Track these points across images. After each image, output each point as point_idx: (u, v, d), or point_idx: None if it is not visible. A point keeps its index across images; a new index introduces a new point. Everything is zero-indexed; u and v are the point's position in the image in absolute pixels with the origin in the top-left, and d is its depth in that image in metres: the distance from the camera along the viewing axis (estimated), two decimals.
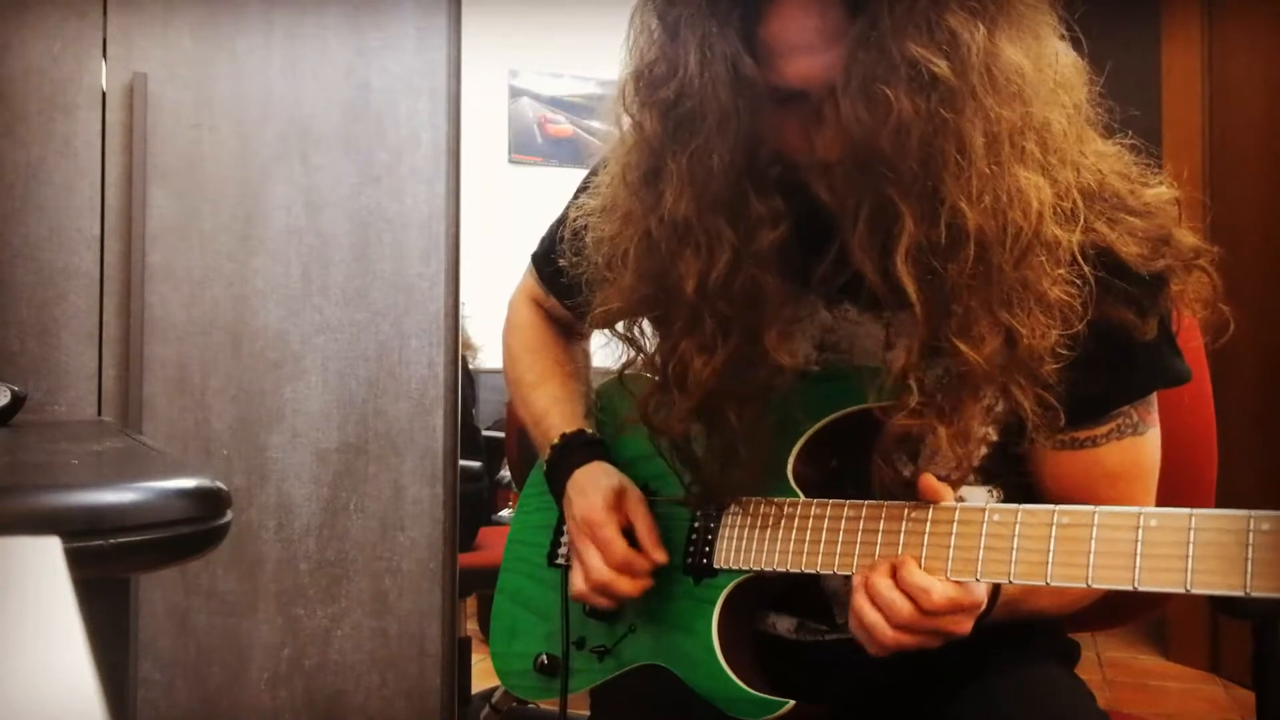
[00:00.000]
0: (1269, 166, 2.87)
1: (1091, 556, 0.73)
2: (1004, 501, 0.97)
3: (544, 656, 1.08)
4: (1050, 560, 0.75)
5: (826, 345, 0.95)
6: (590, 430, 1.10)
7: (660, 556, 0.98)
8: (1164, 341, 0.89)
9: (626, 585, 0.97)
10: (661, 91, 0.82)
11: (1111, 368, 0.86)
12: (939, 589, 0.79)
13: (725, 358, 0.85)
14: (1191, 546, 0.69)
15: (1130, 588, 0.72)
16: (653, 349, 0.94)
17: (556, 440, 1.09)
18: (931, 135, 0.74)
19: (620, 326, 0.95)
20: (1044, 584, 0.75)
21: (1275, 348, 2.73)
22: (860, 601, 0.82)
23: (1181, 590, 0.69)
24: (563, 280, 1.12)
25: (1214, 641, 3.00)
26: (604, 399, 1.16)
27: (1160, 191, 0.86)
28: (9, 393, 1.10)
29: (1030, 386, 0.81)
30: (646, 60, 0.83)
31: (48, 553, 0.43)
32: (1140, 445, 0.92)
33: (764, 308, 0.84)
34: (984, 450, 0.94)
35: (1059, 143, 0.80)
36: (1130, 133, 0.88)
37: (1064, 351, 0.80)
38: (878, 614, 0.80)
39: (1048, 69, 0.79)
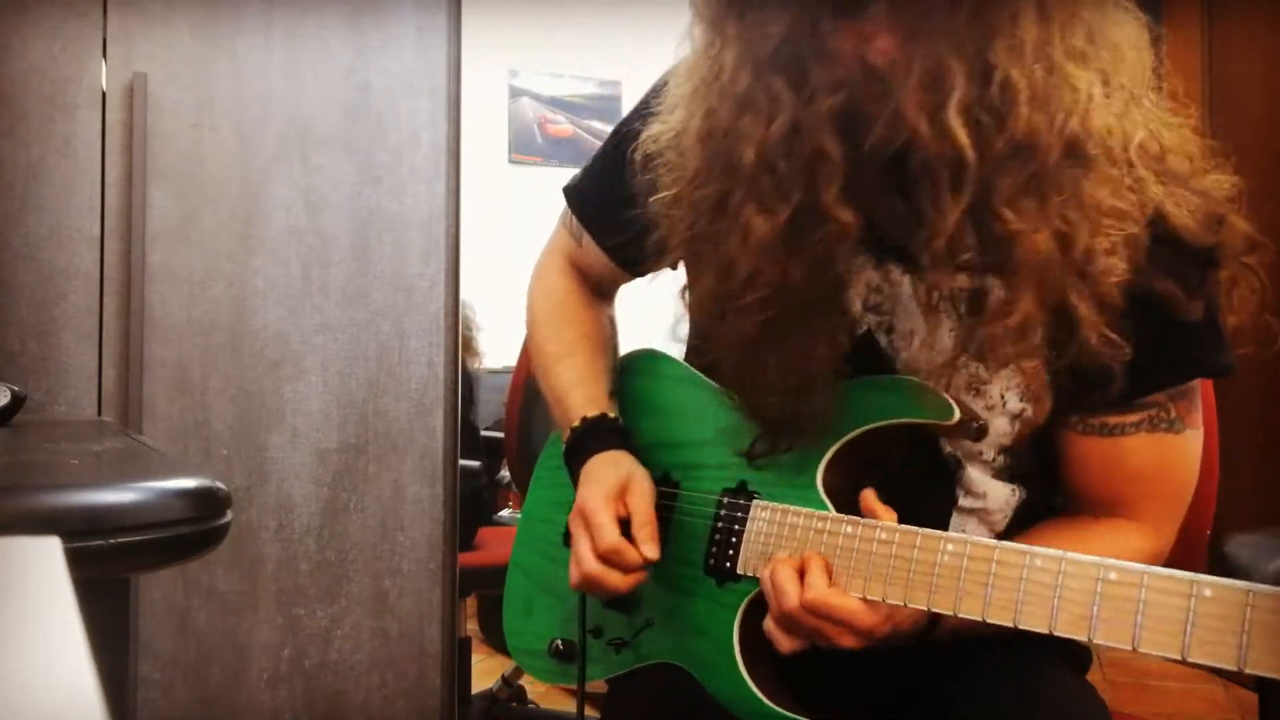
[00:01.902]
0: (1269, 166, 2.87)
1: (1140, 618, 0.70)
2: (1027, 501, 0.95)
3: (559, 641, 1.06)
4: (1095, 615, 0.72)
5: (870, 305, 0.94)
6: (613, 414, 1.07)
7: (649, 552, 0.94)
8: (1210, 328, 0.86)
9: (615, 579, 0.95)
10: None
11: (1150, 346, 0.83)
12: (819, 585, 0.84)
13: (787, 215, 0.84)
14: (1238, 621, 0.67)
15: (1179, 657, 0.68)
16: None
17: (577, 423, 1.06)
18: (986, 2, 0.75)
19: (683, 217, 0.93)
20: (1087, 639, 0.73)
21: (1275, 349, 2.73)
22: (764, 575, 0.88)
23: (1234, 666, 0.67)
24: (598, 212, 1.12)
25: None
26: (633, 371, 1.13)
27: (1220, 179, 0.86)
28: (9, 393, 1.10)
29: (1089, 292, 0.80)
30: None
31: (48, 553, 0.43)
32: (1173, 445, 0.89)
33: (823, 168, 0.83)
34: (1016, 426, 0.92)
35: (1115, 58, 0.82)
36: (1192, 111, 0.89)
37: (1123, 265, 0.80)
38: (772, 590, 0.86)
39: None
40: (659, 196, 0.94)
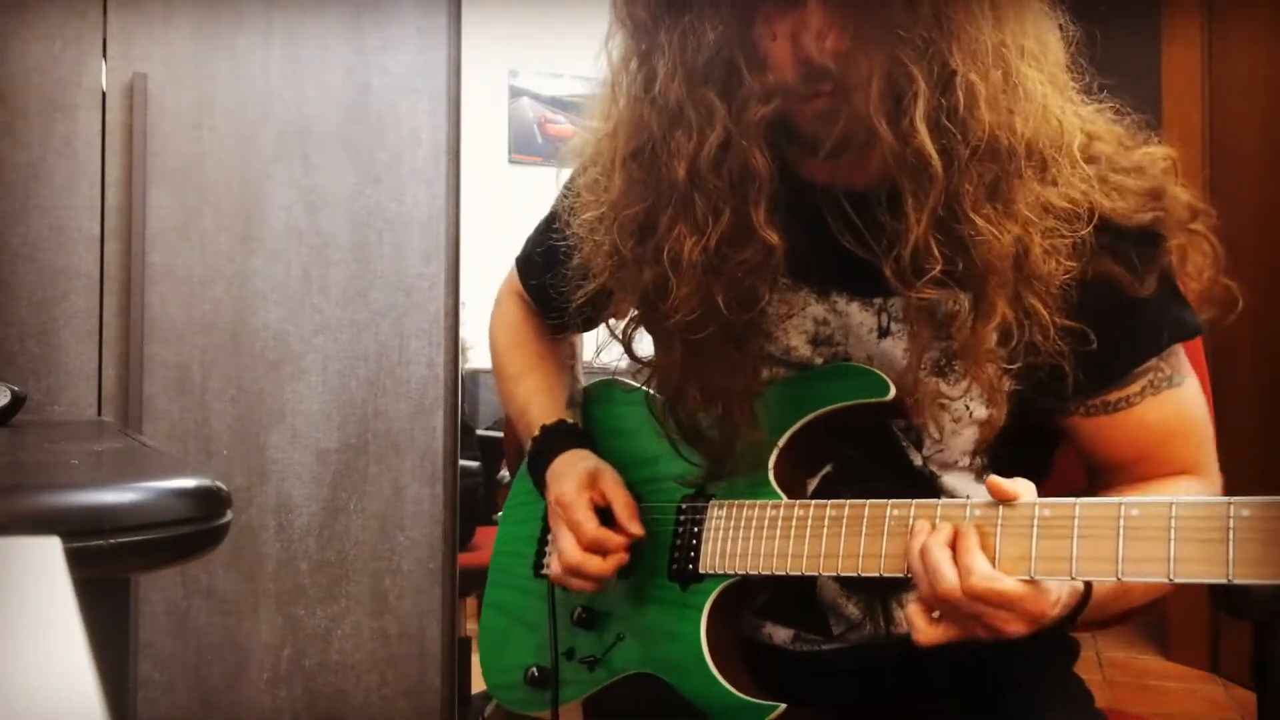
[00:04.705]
0: (1269, 166, 2.87)
1: (1075, 549, 0.72)
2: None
3: (534, 669, 1.07)
4: (1034, 555, 0.73)
5: (820, 339, 0.94)
6: (571, 420, 1.10)
7: (635, 529, 0.97)
8: (1168, 296, 0.87)
9: (596, 564, 0.96)
10: None
11: (1118, 326, 0.85)
12: (981, 568, 0.74)
13: (717, 237, 0.83)
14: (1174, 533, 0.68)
15: (1116, 578, 0.70)
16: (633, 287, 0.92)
17: (537, 433, 1.09)
18: (942, 2, 0.75)
19: (607, 244, 0.92)
20: (1029, 575, 0.74)
21: (1273, 347, 2.73)
22: (912, 550, 0.78)
23: (1165, 579, 0.69)
24: (538, 285, 1.14)
25: (1214, 641, 3.00)
26: (595, 398, 1.15)
27: (1151, 151, 0.86)
28: (9, 393, 1.10)
29: (1047, 298, 0.80)
30: None
31: (48, 553, 0.43)
32: (1180, 397, 0.90)
33: (753, 184, 0.83)
34: (997, 421, 0.90)
35: (1053, 55, 0.82)
36: (1110, 97, 0.88)
37: (1070, 263, 0.80)
38: (924, 571, 0.76)
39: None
40: (583, 218, 0.94)
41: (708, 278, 0.85)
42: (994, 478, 0.78)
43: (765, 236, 0.83)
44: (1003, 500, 0.77)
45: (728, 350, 0.89)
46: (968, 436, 0.91)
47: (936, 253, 0.79)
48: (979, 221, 0.78)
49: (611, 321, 0.99)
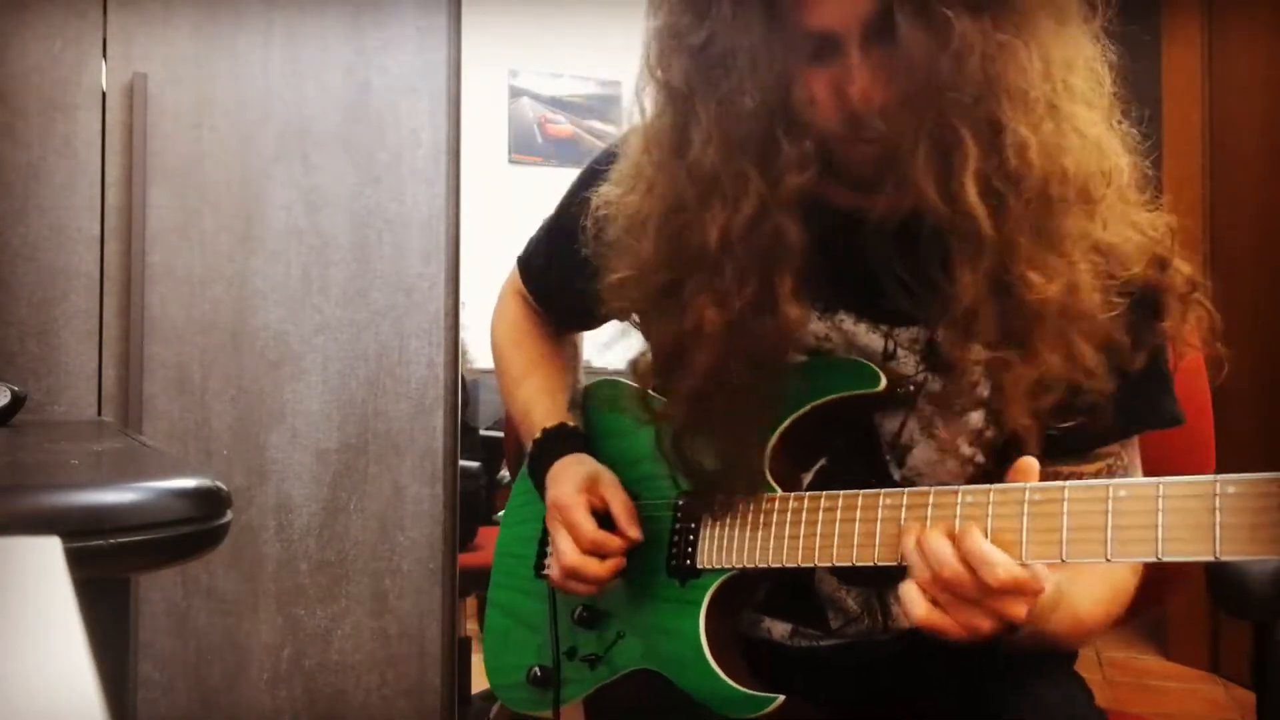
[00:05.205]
0: (1269, 166, 2.87)
1: (1065, 532, 0.72)
2: None
3: (536, 669, 1.08)
4: (1024, 539, 0.74)
5: (822, 353, 0.94)
6: (573, 423, 1.10)
7: (634, 534, 0.97)
8: (1155, 377, 0.86)
9: (595, 567, 0.96)
10: (691, 37, 0.82)
11: (1098, 400, 0.82)
12: (1001, 557, 0.72)
13: (741, 307, 0.83)
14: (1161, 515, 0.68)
15: (1105, 559, 0.70)
16: (655, 333, 0.93)
17: (539, 435, 1.09)
18: (991, 57, 0.73)
19: (633, 298, 0.92)
20: (1020, 560, 0.73)
21: (1273, 347, 2.73)
22: (908, 548, 0.76)
23: (1154, 558, 0.69)
24: (539, 286, 1.14)
25: (1214, 641, 3.00)
26: (593, 398, 1.16)
27: (1157, 216, 0.85)
28: (9, 393, 1.10)
29: (1094, 336, 0.78)
30: (675, 12, 0.83)
31: (48, 553, 0.43)
32: None
33: (784, 256, 0.82)
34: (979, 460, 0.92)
35: (1101, 89, 0.80)
36: (1141, 136, 0.86)
37: (1117, 299, 0.79)
38: (921, 560, 0.74)
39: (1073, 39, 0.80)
40: (610, 279, 0.93)
41: (727, 346, 0.84)
42: (1028, 460, 0.76)
43: (787, 311, 0.83)
44: (1023, 477, 0.76)
45: (736, 420, 0.89)
46: (952, 471, 0.92)
47: (991, 315, 0.77)
48: (1031, 275, 0.76)
49: (636, 356, 0.98)
